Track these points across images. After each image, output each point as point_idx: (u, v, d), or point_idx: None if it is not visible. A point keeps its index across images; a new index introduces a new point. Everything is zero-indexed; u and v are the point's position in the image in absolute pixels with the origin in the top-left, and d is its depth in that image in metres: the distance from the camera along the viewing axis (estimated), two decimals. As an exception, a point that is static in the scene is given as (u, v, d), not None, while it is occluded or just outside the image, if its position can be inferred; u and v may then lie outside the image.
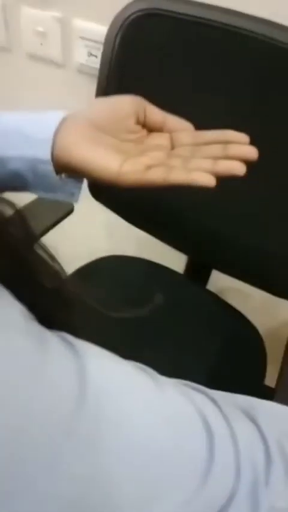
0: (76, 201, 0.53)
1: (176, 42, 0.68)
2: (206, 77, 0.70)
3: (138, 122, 0.50)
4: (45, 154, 0.46)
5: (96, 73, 0.76)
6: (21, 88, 1.07)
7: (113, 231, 1.27)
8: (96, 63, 0.78)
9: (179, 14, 0.65)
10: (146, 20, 0.67)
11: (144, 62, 0.72)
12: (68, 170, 0.48)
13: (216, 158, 0.44)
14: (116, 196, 0.88)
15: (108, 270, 1.02)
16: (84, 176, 0.49)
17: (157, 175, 0.44)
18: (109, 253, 1.06)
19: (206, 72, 0.69)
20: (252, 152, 0.45)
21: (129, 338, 0.89)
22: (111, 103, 0.50)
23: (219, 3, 0.66)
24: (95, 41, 0.86)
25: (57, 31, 0.90)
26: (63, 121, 0.47)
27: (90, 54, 0.89)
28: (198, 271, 1.06)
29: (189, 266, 1.06)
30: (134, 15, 0.67)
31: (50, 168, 0.47)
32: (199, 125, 0.68)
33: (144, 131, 0.51)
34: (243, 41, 0.64)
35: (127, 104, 0.49)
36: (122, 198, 0.87)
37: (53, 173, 0.47)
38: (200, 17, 0.66)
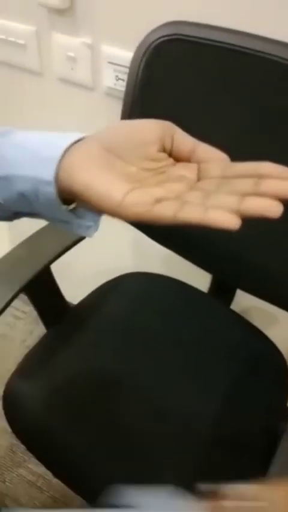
0: (90, 235, 0.48)
1: (198, 67, 0.69)
2: (229, 101, 0.71)
3: (163, 149, 0.44)
4: (48, 174, 0.41)
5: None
6: (52, 111, 1.11)
7: (138, 247, 1.29)
8: (123, 86, 0.80)
9: (202, 39, 0.67)
10: (170, 46, 0.69)
11: (167, 87, 0.74)
12: (72, 196, 0.43)
13: (245, 194, 0.37)
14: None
15: (132, 286, 1.03)
16: (85, 204, 0.42)
17: (165, 211, 0.37)
18: (134, 269, 1.07)
19: (229, 96, 0.71)
20: None
21: (149, 356, 0.89)
22: (132, 127, 0.44)
23: (242, 28, 0.68)
24: (123, 66, 0.89)
25: (87, 56, 0.94)
26: (77, 142, 0.42)
27: (118, 79, 0.92)
28: (222, 291, 1.06)
29: (214, 285, 1.06)
30: (158, 41, 0.69)
31: (53, 190, 0.41)
32: (223, 150, 0.68)
33: (170, 160, 0.44)
34: (266, 64, 0.65)
35: (150, 129, 0.43)
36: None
37: (56, 196, 0.42)
38: (222, 42, 0.67)
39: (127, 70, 0.79)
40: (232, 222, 0.34)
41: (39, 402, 0.82)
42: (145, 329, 0.93)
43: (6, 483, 1.26)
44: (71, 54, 0.95)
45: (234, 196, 0.37)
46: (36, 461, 0.82)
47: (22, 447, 0.83)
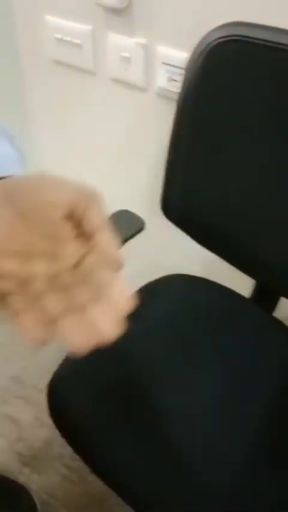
0: None
1: (255, 69, 0.68)
2: (286, 103, 0.69)
3: (72, 216, 0.38)
4: None
5: (176, 97, 0.78)
6: (104, 110, 1.12)
7: (181, 248, 1.28)
8: (176, 88, 0.80)
9: (259, 40, 0.66)
10: (226, 47, 0.68)
11: (222, 88, 0.73)
12: None
13: (81, 305, 0.36)
14: (188, 217, 0.89)
15: (175, 289, 1.03)
16: None
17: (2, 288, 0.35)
18: (176, 270, 1.07)
19: (286, 98, 0.69)
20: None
21: (187, 362, 0.89)
22: (44, 185, 0.39)
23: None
24: (176, 67, 0.89)
25: (141, 57, 0.94)
26: None
27: (171, 80, 0.92)
28: (265, 297, 1.04)
29: (257, 291, 1.05)
30: (215, 42, 0.68)
31: None
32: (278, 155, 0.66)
33: (70, 231, 0.38)
34: None
35: (62, 192, 0.38)
36: (193, 219, 0.89)
37: None
38: (280, 43, 0.66)
39: (180, 71, 0.78)
40: (34, 339, 0.33)
41: (84, 398, 0.83)
42: (188, 336, 0.93)
43: (42, 475, 1.28)
44: (125, 54, 0.96)
45: (60, 308, 0.35)
46: (73, 455, 0.83)
47: (59, 440, 0.84)
